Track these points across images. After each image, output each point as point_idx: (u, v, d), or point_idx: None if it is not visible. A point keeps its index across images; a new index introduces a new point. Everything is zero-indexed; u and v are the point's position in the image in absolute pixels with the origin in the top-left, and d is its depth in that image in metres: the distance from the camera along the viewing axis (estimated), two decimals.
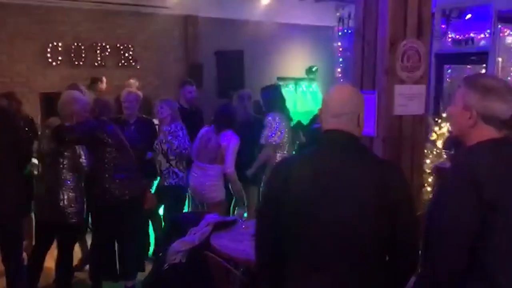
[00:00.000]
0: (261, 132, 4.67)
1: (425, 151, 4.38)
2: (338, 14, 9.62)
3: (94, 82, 6.64)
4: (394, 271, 1.77)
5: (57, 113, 3.66)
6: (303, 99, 9.19)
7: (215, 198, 4.36)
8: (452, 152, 4.22)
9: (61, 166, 3.52)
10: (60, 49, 7.36)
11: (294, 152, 4.91)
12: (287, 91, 8.55)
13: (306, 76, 9.39)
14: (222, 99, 6.48)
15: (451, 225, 1.56)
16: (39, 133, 4.47)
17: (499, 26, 7.59)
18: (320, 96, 8.82)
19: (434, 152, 4.89)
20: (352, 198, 1.68)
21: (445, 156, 4.60)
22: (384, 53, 3.15)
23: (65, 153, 3.52)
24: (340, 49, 10.12)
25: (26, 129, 4.63)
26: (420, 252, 1.73)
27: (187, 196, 4.74)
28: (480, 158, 1.61)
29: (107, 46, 7.73)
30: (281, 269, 1.83)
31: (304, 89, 9.35)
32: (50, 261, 3.84)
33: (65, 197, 3.50)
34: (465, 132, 1.68)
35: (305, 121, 5.41)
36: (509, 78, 7.48)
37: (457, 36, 8.54)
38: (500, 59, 7.68)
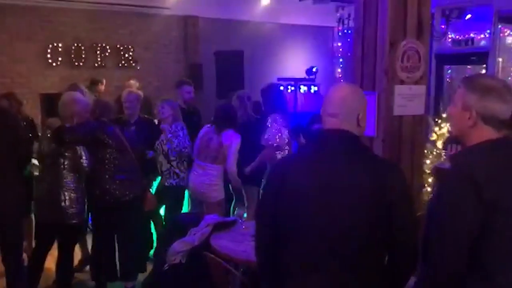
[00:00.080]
0: (261, 132, 4.67)
1: (425, 151, 4.39)
2: (338, 14, 9.63)
3: (93, 83, 6.66)
4: (393, 271, 1.77)
5: (57, 114, 3.66)
6: (303, 100, 9.18)
7: (214, 198, 4.36)
8: (451, 150, 4.22)
9: (62, 166, 3.52)
10: (60, 49, 7.37)
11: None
12: (287, 91, 8.55)
13: (306, 77, 9.39)
14: (221, 100, 6.48)
15: (451, 225, 1.56)
16: (39, 134, 4.47)
17: (499, 26, 7.59)
18: (320, 96, 8.82)
19: (434, 153, 4.89)
20: (349, 197, 1.69)
21: (444, 156, 4.60)
22: (384, 53, 3.16)
23: (66, 154, 3.52)
24: (340, 49, 10.13)
25: (27, 129, 4.63)
26: (419, 252, 1.73)
27: (187, 196, 4.75)
28: (479, 159, 1.61)
29: (107, 47, 7.74)
30: (280, 268, 1.83)
31: (304, 89, 9.33)
32: (50, 261, 3.83)
33: (66, 197, 3.50)
34: (464, 132, 1.68)
35: (304, 122, 5.40)
36: (509, 78, 7.48)
37: (457, 37, 8.54)
38: (500, 59, 7.68)
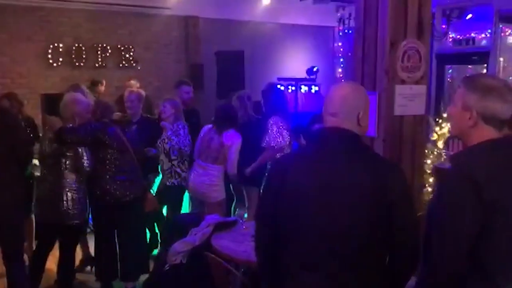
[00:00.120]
0: (261, 132, 4.66)
1: (426, 151, 4.38)
2: (338, 14, 9.62)
3: (94, 84, 6.66)
4: (394, 271, 1.77)
5: (58, 114, 3.67)
6: (304, 100, 9.18)
7: (215, 198, 4.36)
8: (453, 146, 4.21)
9: (64, 166, 3.53)
10: (61, 50, 7.38)
11: None
12: (288, 91, 8.54)
13: (306, 77, 9.38)
14: (222, 100, 6.47)
15: (451, 226, 1.55)
16: (40, 134, 4.47)
17: (500, 26, 7.58)
18: (320, 96, 8.81)
19: (435, 153, 4.88)
20: (349, 197, 1.68)
21: (445, 156, 4.60)
22: (385, 53, 3.15)
23: (68, 154, 3.53)
24: (341, 49, 10.13)
25: (27, 130, 4.63)
26: (420, 252, 1.73)
27: (187, 196, 4.75)
28: (480, 159, 1.60)
29: (108, 47, 7.74)
30: (280, 268, 1.83)
31: (305, 89, 9.33)
32: (51, 262, 3.84)
33: (68, 198, 3.50)
34: (465, 132, 1.68)
35: (305, 123, 5.39)
36: (510, 78, 7.46)
37: (458, 36, 8.53)
38: (501, 59, 7.67)
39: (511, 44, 7.81)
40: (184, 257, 3.24)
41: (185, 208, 4.82)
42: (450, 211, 1.56)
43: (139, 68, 8.02)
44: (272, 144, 4.54)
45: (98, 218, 3.96)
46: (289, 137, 4.66)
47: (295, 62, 9.45)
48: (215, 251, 2.98)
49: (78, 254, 4.21)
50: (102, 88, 6.78)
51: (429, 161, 4.75)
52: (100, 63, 7.68)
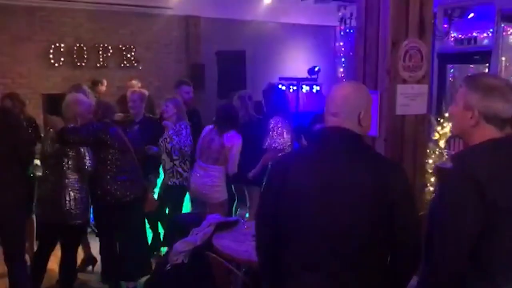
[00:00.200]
0: (262, 132, 4.66)
1: (428, 151, 4.37)
2: (340, 14, 9.61)
3: (94, 84, 6.65)
4: (395, 271, 1.76)
5: (59, 114, 3.67)
6: (305, 100, 9.17)
7: (217, 199, 4.36)
8: (454, 145, 4.21)
9: (66, 166, 3.53)
10: (62, 50, 7.38)
11: None
12: (289, 91, 8.54)
13: (308, 76, 9.38)
14: (223, 100, 6.48)
15: (453, 225, 1.55)
16: (42, 134, 4.47)
17: (502, 25, 7.56)
18: (322, 96, 8.81)
19: (437, 152, 4.88)
20: (350, 196, 1.68)
21: (446, 156, 4.59)
22: (386, 53, 3.15)
23: (70, 154, 3.53)
24: (342, 49, 10.12)
25: (29, 130, 4.64)
26: (421, 252, 1.72)
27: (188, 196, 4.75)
28: (481, 158, 1.60)
29: (109, 47, 7.75)
30: (281, 268, 1.83)
31: (306, 89, 9.32)
32: (53, 262, 3.84)
33: (71, 198, 3.50)
34: (466, 132, 1.67)
35: (305, 123, 5.37)
36: None
37: (460, 36, 8.52)
38: (503, 58, 7.65)
39: None
40: (186, 256, 3.24)
41: (186, 208, 4.83)
42: (451, 211, 1.56)
43: (140, 68, 8.02)
44: (273, 146, 4.53)
45: (99, 218, 3.96)
46: (290, 138, 4.65)
47: (296, 62, 9.45)
48: (217, 251, 2.98)
49: (80, 254, 4.21)
50: (102, 88, 6.77)
51: (430, 161, 4.75)
52: (101, 63, 7.69)
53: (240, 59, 7.92)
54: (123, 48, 7.88)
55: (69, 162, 3.53)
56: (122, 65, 7.89)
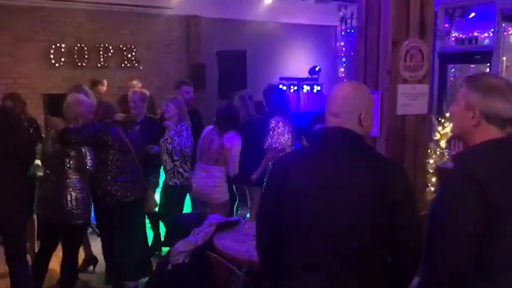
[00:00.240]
0: (263, 132, 4.66)
1: (429, 151, 4.37)
2: (340, 14, 9.60)
3: (94, 84, 6.64)
4: (396, 272, 1.76)
5: (60, 114, 3.67)
6: (306, 100, 9.17)
7: (219, 199, 4.36)
8: (455, 146, 4.20)
9: (68, 166, 3.53)
10: (63, 50, 7.38)
11: None
12: (290, 91, 8.54)
13: (308, 76, 9.37)
14: (223, 100, 6.47)
15: (454, 225, 1.55)
16: (43, 135, 4.48)
17: (503, 24, 7.56)
18: (323, 96, 8.80)
19: (438, 152, 4.87)
20: (351, 197, 1.68)
21: (447, 156, 4.59)
22: (387, 52, 3.15)
23: (71, 154, 3.53)
24: (343, 48, 10.11)
25: (31, 130, 4.64)
26: (422, 252, 1.72)
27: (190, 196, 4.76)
28: (482, 158, 1.60)
29: (110, 47, 7.74)
30: (281, 268, 1.83)
31: (307, 89, 9.31)
32: (54, 262, 3.84)
33: (72, 197, 3.50)
34: (467, 131, 1.67)
35: (306, 123, 5.36)
36: None
37: (461, 35, 8.51)
38: (504, 58, 7.64)
39: None
40: (187, 257, 3.25)
41: (187, 208, 4.83)
42: (452, 211, 1.56)
43: (141, 68, 8.02)
44: (274, 146, 4.53)
45: (100, 219, 3.97)
46: (291, 138, 4.65)
47: (297, 62, 9.44)
48: (218, 251, 2.98)
49: (81, 254, 4.21)
50: (103, 88, 6.75)
51: (431, 161, 4.74)
52: (102, 63, 7.68)
53: (241, 59, 7.91)
54: (124, 48, 7.88)
55: (71, 162, 3.54)
56: (123, 65, 7.89)
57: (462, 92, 1.67)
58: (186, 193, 4.60)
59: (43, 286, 3.74)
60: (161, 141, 4.42)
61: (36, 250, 4.40)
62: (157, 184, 4.70)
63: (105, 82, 6.87)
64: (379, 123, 3.18)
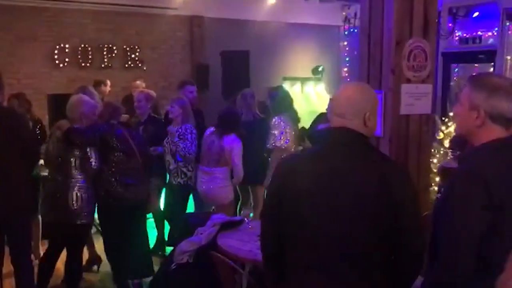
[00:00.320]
0: (265, 132, 4.66)
1: (432, 150, 4.36)
2: (344, 13, 9.60)
3: (97, 84, 6.66)
4: (399, 272, 1.76)
5: (64, 115, 3.68)
6: (309, 99, 9.17)
7: (225, 199, 4.35)
8: (458, 153, 4.19)
9: (73, 165, 3.54)
10: (67, 50, 7.41)
11: None
12: (293, 91, 8.54)
13: (312, 76, 9.37)
14: (228, 100, 6.48)
15: (460, 226, 1.54)
16: (48, 134, 4.50)
17: (507, 24, 7.54)
18: (326, 96, 8.80)
19: (441, 152, 4.86)
20: (351, 196, 1.68)
21: (451, 156, 4.57)
22: (390, 52, 3.15)
23: (76, 154, 3.54)
24: (346, 48, 10.10)
25: (37, 131, 4.66)
26: (425, 253, 1.72)
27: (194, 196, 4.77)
28: (488, 158, 1.59)
29: (114, 48, 7.76)
30: (286, 268, 1.83)
31: (312, 89, 9.31)
32: (58, 261, 3.83)
33: (78, 197, 3.51)
34: (472, 132, 1.67)
35: (308, 124, 5.35)
36: None
37: (464, 35, 8.49)
38: (508, 57, 7.62)
39: None
40: (191, 256, 3.25)
41: (190, 208, 4.84)
42: (459, 211, 1.55)
43: (145, 68, 8.03)
44: (277, 145, 4.53)
45: (103, 220, 3.97)
46: (293, 137, 4.65)
47: (300, 62, 9.44)
48: (221, 251, 2.99)
49: (85, 254, 4.23)
50: (106, 88, 6.75)
51: (435, 160, 4.73)
52: (106, 63, 7.71)
53: (245, 59, 7.92)
54: (128, 48, 7.90)
55: (76, 162, 3.55)
56: (127, 65, 7.91)
57: (466, 92, 1.66)
58: (190, 193, 4.61)
59: (47, 286, 3.75)
60: (164, 142, 4.43)
61: (41, 250, 4.43)
62: (160, 186, 4.70)
63: (108, 82, 6.89)
64: (383, 123, 3.17)
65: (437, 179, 4.57)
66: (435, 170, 4.56)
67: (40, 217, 4.17)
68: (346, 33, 9.94)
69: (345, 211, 1.69)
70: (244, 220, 3.56)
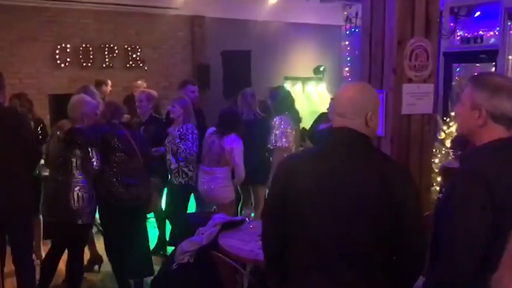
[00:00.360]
0: (266, 131, 4.66)
1: (434, 150, 4.36)
2: (345, 13, 9.59)
3: (98, 84, 6.66)
4: (400, 272, 1.76)
5: (65, 115, 3.68)
6: (311, 99, 9.17)
7: (226, 199, 4.35)
8: (460, 152, 4.19)
9: (74, 165, 3.54)
10: (68, 50, 7.41)
11: None
12: (294, 91, 8.54)
13: (313, 76, 9.36)
14: (229, 100, 6.49)
15: (462, 226, 1.53)
16: (49, 134, 4.50)
17: (509, 23, 7.53)
18: (327, 95, 8.80)
19: (443, 152, 4.86)
20: (352, 196, 1.68)
21: (452, 156, 4.57)
22: (392, 52, 3.14)
23: (77, 154, 3.54)
24: (348, 48, 10.10)
25: (37, 130, 4.66)
26: (426, 253, 1.71)
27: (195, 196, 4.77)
28: (490, 158, 1.59)
29: (115, 48, 7.77)
30: (287, 268, 1.83)
31: (313, 89, 9.31)
32: (60, 261, 3.86)
33: (79, 197, 3.52)
34: (474, 132, 1.66)
35: (309, 123, 5.35)
36: None
37: (466, 34, 8.48)
38: (510, 57, 7.62)
39: None
40: (192, 256, 3.25)
41: (191, 207, 4.84)
42: (460, 211, 1.55)
43: (146, 68, 8.04)
44: (278, 145, 4.53)
45: (104, 220, 3.98)
46: (295, 137, 4.65)
47: (301, 61, 9.44)
48: (222, 251, 2.99)
49: (86, 254, 4.23)
50: (107, 88, 6.74)
51: (436, 160, 4.73)
52: (107, 63, 7.71)
53: (246, 59, 7.93)
54: (129, 48, 7.91)
55: (77, 162, 3.55)
56: (128, 65, 7.91)
57: (468, 92, 1.66)
58: (191, 192, 4.61)
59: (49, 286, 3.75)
60: (166, 141, 4.43)
61: (42, 250, 4.44)
62: (161, 185, 4.70)
63: (109, 82, 6.89)
64: (384, 123, 3.17)
65: (439, 179, 4.57)
66: (436, 170, 4.55)
67: (41, 217, 4.17)
68: (347, 32, 9.93)
69: (346, 211, 1.69)
70: (245, 220, 3.56)
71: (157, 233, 4.98)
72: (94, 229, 4.52)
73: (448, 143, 5.02)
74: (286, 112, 4.73)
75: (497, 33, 7.81)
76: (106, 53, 7.69)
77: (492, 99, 1.59)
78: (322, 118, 5.00)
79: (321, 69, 9.28)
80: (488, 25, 8.05)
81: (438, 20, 3.46)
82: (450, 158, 4.67)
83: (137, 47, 7.95)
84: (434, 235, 1.67)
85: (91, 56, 7.55)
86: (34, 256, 3.83)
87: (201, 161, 4.43)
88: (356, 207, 1.67)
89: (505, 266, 1.08)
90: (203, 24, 8.49)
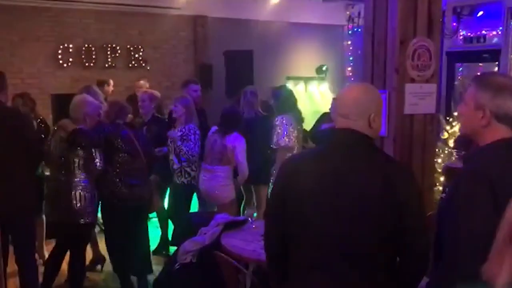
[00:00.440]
0: (267, 130, 4.66)
1: (437, 150, 4.35)
2: (348, 12, 9.57)
3: (100, 84, 6.65)
4: (403, 273, 1.76)
5: (68, 114, 3.69)
6: (313, 99, 9.16)
7: (226, 198, 4.35)
8: (463, 152, 4.18)
9: (77, 165, 3.54)
10: (70, 50, 7.41)
11: None
12: (297, 90, 8.53)
13: (316, 76, 9.35)
14: (231, 99, 6.48)
15: (466, 227, 1.53)
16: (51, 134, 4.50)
17: None
18: (329, 95, 8.79)
19: (446, 152, 4.85)
20: (355, 197, 1.67)
21: (456, 156, 4.56)
22: (394, 51, 3.14)
23: (79, 154, 3.54)
24: (350, 47, 10.08)
25: (40, 130, 4.66)
26: (429, 254, 1.71)
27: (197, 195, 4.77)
28: (493, 158, 1.58)
29: (117, 48, 7.77)
30: (289, 268, 1.83)
31: (315, 89, 9.30)
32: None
33: (81, 196, 3.52)
34: (477, 131, 1.65)
35: (312, 123, 5.34)
36: None
37: (469, 34, 8.45)
38: None
39: None
40: (194, 256, 3.25)
41: (193, 207, 4.84)
42: (464, 211, 1.54)
43: (148, 68, 8.04)
44: (281, 145, 4.53)
45: (106, 220, 3.98)
46: (297, 136, 4.64)
47: (304, 61, 9.42)
48: (225, 250, 2.99)
49: (89, 253, 4.24)
50: (109, 88, 6.74)
51: (439, 160, 4.72)
52: (109, 63, 7.71)
53: (248, 58, 7.91)
54: (131, 48, 7.91)
55: (79, 162, 3.55)
56: (130, 65, 7.91)
57: (471, 92, 1.65)
58: (193, 192, 4.61)
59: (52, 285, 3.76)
60: (168, 142, 4.43)
61: (45, 249, 4.44)
62: (164, 185, 4.70)
63: (111, 82, 6.89)
64: (387, 123, 3.16)
65: (442, 179, 4.56)
66: (439, 170, 4.54)
67: (44, 216, 4.18)
68: (350, 32, 9.91)
69: (348, 211, 1.68)
70: (247, 220, 3.56)
71: (160, 233, 4.98)
72: (97, 229, 4.52)
73: (451, 143, 5.00)
74: (289, 112, 4.73)
75: (500, 32, 7.79)
76: (108, 53, 7.69)
77: (496, 99, 1.59)
78: (324, 117, 5.00)
79: (324, 68, 9.27)
80: (491, 25, 8.02)
81: (441, 19, 3.45)
82: (453, 158, 4.66)
83: (139, 47, 7.95)
84: (437, 235, 1.66)
85: (93, 56, 7.56)
86: (36, 256, 3.84)
87: (203, 159, 4.43)
88: (359, 208, 1.67)
89: (495, 254, 1.09)
90: (205, 24, 8.48)
